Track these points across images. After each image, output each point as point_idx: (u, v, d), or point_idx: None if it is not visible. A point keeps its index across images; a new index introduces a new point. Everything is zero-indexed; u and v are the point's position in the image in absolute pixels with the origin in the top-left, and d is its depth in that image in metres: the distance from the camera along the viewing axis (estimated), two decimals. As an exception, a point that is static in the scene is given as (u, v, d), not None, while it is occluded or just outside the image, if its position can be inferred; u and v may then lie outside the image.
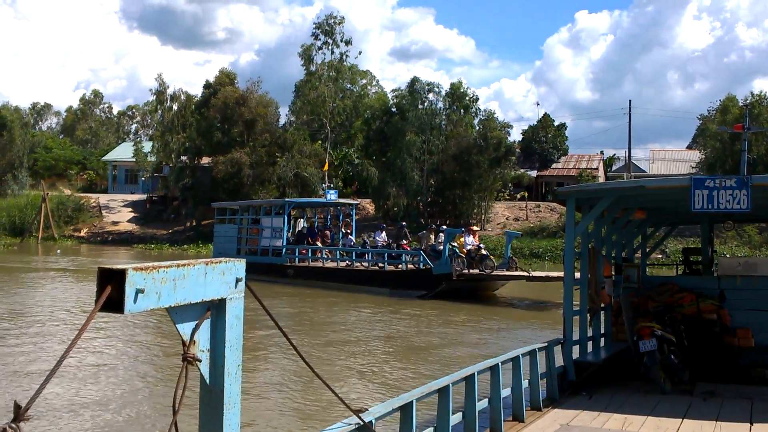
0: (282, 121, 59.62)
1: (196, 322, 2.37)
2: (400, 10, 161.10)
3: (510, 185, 53.65)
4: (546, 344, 8.66)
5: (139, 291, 2.05)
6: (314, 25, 55.09)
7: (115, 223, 56.00)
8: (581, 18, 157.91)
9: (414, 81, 51.94)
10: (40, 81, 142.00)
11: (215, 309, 2.44)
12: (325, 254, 28.92)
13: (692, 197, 8.22)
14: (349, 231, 30.65)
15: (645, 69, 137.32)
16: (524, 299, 25.11)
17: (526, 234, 44.26)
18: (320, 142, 55.41)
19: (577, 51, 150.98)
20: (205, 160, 54.43)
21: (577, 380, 9.00)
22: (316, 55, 54.76)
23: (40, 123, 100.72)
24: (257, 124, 51.94)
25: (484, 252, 24.48)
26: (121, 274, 2.01)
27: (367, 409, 4.62)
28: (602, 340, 10.73)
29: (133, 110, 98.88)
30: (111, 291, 2.01)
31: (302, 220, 33.36)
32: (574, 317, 9.60)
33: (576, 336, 9.62)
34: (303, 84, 55.12)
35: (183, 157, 55.14)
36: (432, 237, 26.61)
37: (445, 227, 28.17)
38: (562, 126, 64.16)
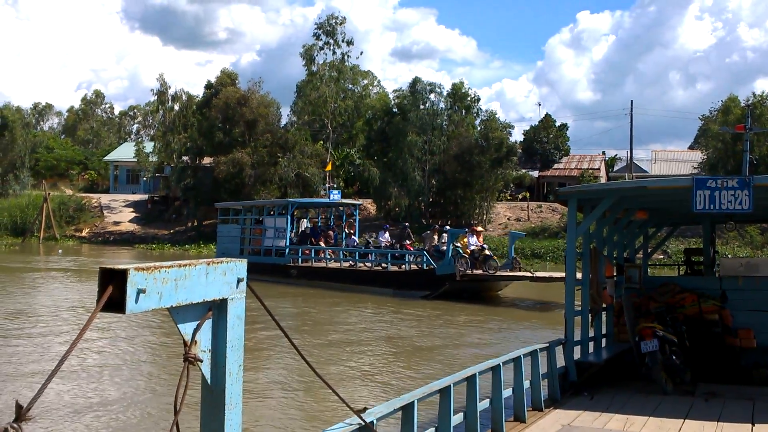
0: (283, 121, 59.74)
1: (198, 322, 2.37)
2: (401, 10, 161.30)
3: (511, 186, 53.62)
4: (547, 344, 8.66)
5: (140, 291, 2.05)
6: (316, 26, 55.25)
7: (116, 223, 56.04)
8: (583, 18, 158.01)
9: (415, 81, 51.96)
10: (42, 81, 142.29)
11: (217, 309, 2.44)
12: (329, 254, 28.93)
13: (694, 198, 8.21)
14: (352, 231, 30.64)
15: (647, 69, 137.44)
16: (527, 300, 25.11)
17: (528, 234, 44.15)
18: (322, 142, 55.44)
19: (578, 51, 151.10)
20: (207, 161, 54.47)
21: (579, 381, 9.00)
22: (317, 55, 54.87)
23: (41, 123, 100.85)
24: (259, 125, 51.97)
25: (487, 252, 24.45)
26: (122, 275, 2.01)
27: (368, 409, 4.62)
28: (604, 340, 10.73)
29: (135, 110, 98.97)
30: (112, 291, 2.01)
31: (305, 220, 33.36)
32: (575, 318, 9.59)
33: (577, 336, 9.61)
34: (304, 84, 55.16)
35: (184, 158, 55.18)
36: (435, 237, 26.60)
37: (448, 227, 28.16)
38: (564, 126, 64.14)
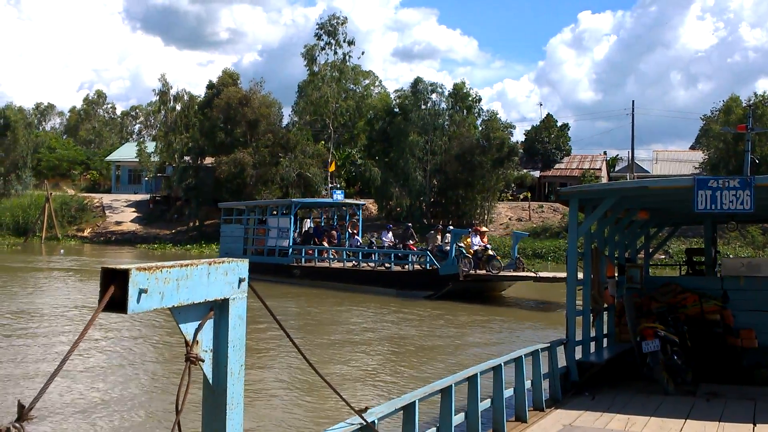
0: (285, 121, 59.77)
1: (200, 322, 2.37)
2: (403, 10, 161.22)
3: (513, 185, 53.59)
4: (549, 344, 8.66)
5: (142, 291, 2.05)
6: (317, 26, 55.15)
7: (118, 223, 56.08)
8: (584, 18, 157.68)
9: (417, 81, 51.95)
10: (44, 81, 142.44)
11: (218, 309, 2.44)
12: (332, 254, 28.93)
13: (695, 198, 8.21)
14: (355, 231, 30.64)
15: (648, 69, 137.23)
16: (530, 300, 25.11)
17: (529, 234, 44.18)
18: (323, 142, 55.45)
19: (580, 51, 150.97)
20: (208, 161, 54.49)
21: (580, 381, 9.00)
22: (319, 55, 54.82)
23: (43, 123, 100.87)
24: (260, 125, 52.00)
25: (491, 252, 24.44)
26: (124, 274, 2.01)
27: (369, 409, 4.62)
28: (605, 340, 10.73)
29: (137, 110, 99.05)
30: (114, 291, 2.01)
31: (308, 220, 33.33)
32: (577, 318, 9.59)
33: (579, 336, 9.61)
34: (306, 84, 55.16)
35: (186, 158, 55.21)
36: (439, 237, 26.61)
37: (451, 227, 28.18)
38: (565, 126, 64.06)
